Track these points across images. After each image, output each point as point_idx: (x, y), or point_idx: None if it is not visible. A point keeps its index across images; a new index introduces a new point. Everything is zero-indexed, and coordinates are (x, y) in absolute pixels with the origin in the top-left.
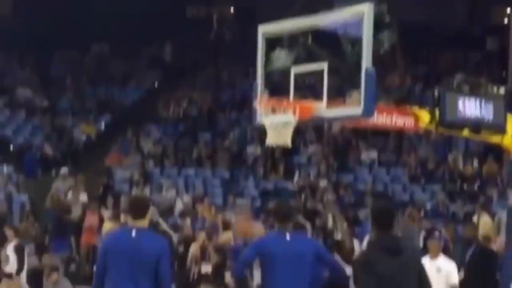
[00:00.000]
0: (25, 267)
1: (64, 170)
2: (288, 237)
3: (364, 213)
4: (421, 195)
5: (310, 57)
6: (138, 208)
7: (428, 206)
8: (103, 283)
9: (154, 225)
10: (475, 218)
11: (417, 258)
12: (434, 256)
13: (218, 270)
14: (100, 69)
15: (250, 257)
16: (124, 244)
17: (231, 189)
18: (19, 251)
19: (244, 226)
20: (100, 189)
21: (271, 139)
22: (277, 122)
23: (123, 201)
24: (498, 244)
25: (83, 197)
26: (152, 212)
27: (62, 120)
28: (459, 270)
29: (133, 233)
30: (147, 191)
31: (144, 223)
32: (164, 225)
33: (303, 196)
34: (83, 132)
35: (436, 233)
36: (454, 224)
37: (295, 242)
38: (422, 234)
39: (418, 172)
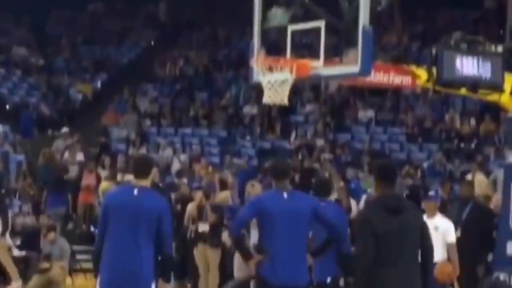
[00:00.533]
0: (9, 227)
1: (65, 129)
2: (285, 195)
3: (352, 173)
4: (418, 154)
5: (307, 15)
6: (142, 168)
7: (425, 165)
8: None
9: (155, 186)
10: (469, 177)
11: (419, 216)
12: (431, 215)
13: (215, 229)
14: (96, 28)
15: (247, 216)
16: (125, 202)
17: (227, 148)
18: (3, 211)
19: None
20: (97, 148)
21: (268, 98)
22: (274, 80)
23: (120, 160)
24: (494, 202)
25: (80, 156)
26: (154, 173)
27: (58, 79)
28: (455, 228)
29: (135, 192)
30: (143, 150)
31: (146, 182)
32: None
33: (300, 155)
34: (79, 91)
35: (432, 192)
36: (451, 183)
37: (293, 201)
38: (405, 192)
39: (415, 131)
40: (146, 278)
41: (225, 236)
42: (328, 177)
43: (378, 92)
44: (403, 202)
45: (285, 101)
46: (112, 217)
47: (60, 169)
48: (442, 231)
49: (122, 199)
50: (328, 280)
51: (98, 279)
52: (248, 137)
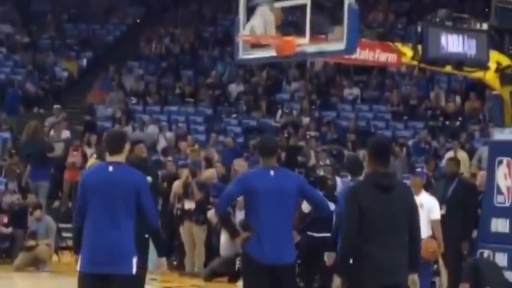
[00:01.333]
0: None
1: (57, 106)
2: (272, 173)
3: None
4: (403, 131)
5: None
6: (114, 143)
7: (410, 142)
8: (83, 221)
9: (143, 161)
10: (451, 154)
11: (409, 195)
12: (416, 192)
13: (201, 207)
14: (81, 5)
15: (234, 192)
16: (101, 179)
17: (213, 126)
18: None
19: None
20: (82, 126)
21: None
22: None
23: None
24: (479, 180)
25: (66, 134)
26: (141, 148)
27: (44, 57)
28: (440, 205)
29: (110, 168)
30: (129, 128)
31: (121, 158)
32: None
33: (285, 133)
34: (64, 69)
35: (418, 169)
36: (435, 160)
37: (279, 178)
38: None
39: (401, 109)
40: (127, 255)
41: (211, 214)
42: (315, 154)
43: (364, 70)
44: (394, 180)
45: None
46: (90, 195)
47: (44, 142)
48: (426, 208)
49: (97, 176)
50: None
51: (80, 257)
52: (234, 115)
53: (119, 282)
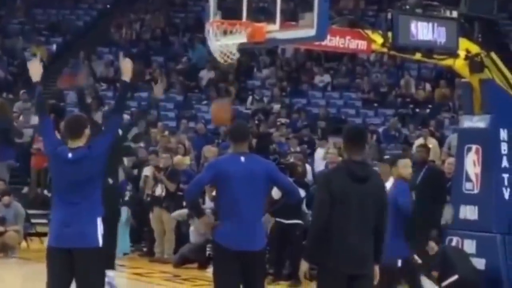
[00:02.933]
0: None
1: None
2: (243, 159)
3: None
4: (373, 119)
5: None
6: (73, 128)
7: (381, 130)
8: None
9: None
10: (420, 141)
11: (381, 187)
12: (384, 179)
13: (172, 194)
14: None
15: (204, 178)
16: (62, 165)
17: (184, 112)
18: None
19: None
20: (51, 112)
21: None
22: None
23: None
24: (447, 167)
25: (35, 120)
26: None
27: (13, 42)
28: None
29: (70, 155)
30: (99, 114)
31: (81, 142)
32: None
33: (256, 119)
34: (34, 54)
35: (387, 156)
36: (408, 148)
37: (250, 164)
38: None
39: (371, 96)
40: (90, 235)
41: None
42: (285, 141)
43: (334, 57)
44: (369, 171)
45: (234, 59)
46: (54, 183)
47: (10, 121)
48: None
49: (59, 164)
50: (399, 263)
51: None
52: (204, 102)
53: (83, 255)
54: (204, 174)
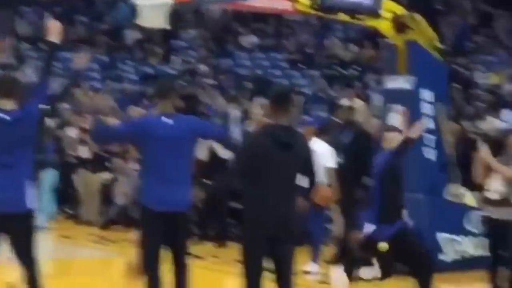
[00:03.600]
0: None
1: None
2: (167, 118)
3: None
4: (300, 80)
5: None
6: (5, 89)
7: (308, 91)
8: None
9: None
10: (346, 102)
11: (306, 150)
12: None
13: (97, 155)
14: None
15: (124, 129)
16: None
17: (109, 73)
18: None
19: None
20: None
21: (147, 22)
22: (152, 3)
23: None
24: (373, 128)
25: None
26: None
27: None
28: (336, 153)
29: (4, 116)
30: (22, 74)
31: (12, 103)
32: None
33: (183, 80)
34: None
35: (309, 117)
36: (334, 109)
37: (175, 123)
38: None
39: (298, 57)
40: (22, 199)
41: (107, 162)
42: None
43: (261, 17)
44: (293, 134)
45: (164, 25)
46: None
47: None
48: (319, 155)
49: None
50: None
51: None
52: (130, 62)
53: (16, 219)
54: (122, 128)
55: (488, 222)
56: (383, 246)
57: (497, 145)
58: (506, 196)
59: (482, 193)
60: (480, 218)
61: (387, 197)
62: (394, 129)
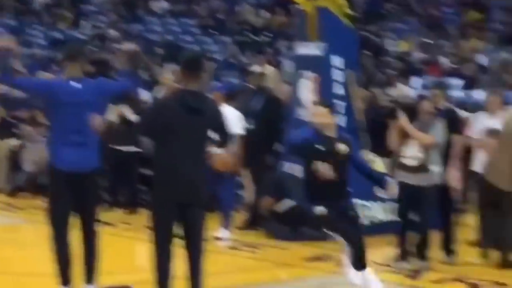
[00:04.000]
0: None
1: None
2: (75, 83)
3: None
4: (212, 46)
5: None
6: None
7: (219, 57)
8: None
9: None
10: (257, 68)
11: (217, 115)
12: None
13: (4, 121)
14: None
15: (30, 83)
16: None
17: (17, 38)
18: None
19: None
20: None
21: None
22: None
23: None
24: (283, 94)
25: None
26: None
27: None
28: (246, 119)
29: None
30: None
31: None
32: None
33: (93, 46)
34: None
35: (218, 83)
36: (244, 74)
37: (82, 87)
38: None
39: (209, 23)
40: None
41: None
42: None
43: None
44: (203, 100)
45: None
46: None
47: None
48: (229, 121)
49: None
50: None
51: None
52: (38, 27)
53: None
54: (32, 80)
55: (403, 188)
56: (319, 210)
57: (410, 111)
58: (423, 162)
59: (397, 159)
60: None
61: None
62: (323, 103)
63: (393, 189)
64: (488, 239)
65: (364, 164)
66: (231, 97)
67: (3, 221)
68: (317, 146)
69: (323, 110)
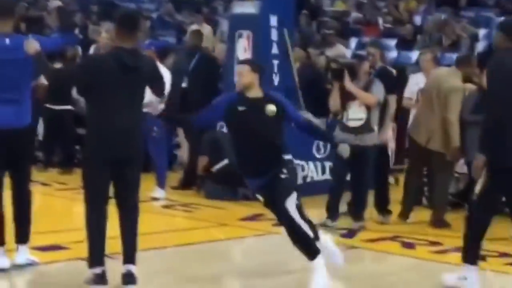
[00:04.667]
0: None
1: None
2: (7, 40)
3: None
4: (147, 4)
5: None
6: None
7: (155, 15)
8: None
9: None
10: (194, 27)
11: (153, 69)
12: None
13: None
14: None
15: None
16: None
17: None
18: None
19: None
20: None
21: None
22: None
23: None
24: (219, 53)
25: None
26: None
27: None
28: (182, 78)
29: None
30: None
31: None
32: None
33: (25, 3)
34: None
35: (150, 43)
36: (181, 33)
37: (14, 43)
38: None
39: None
40: None
41: None
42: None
43: None
44: (138, 57)
45: None
46: None
47: None
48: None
49: None
50: None
51: None
52: None
53: None
54: None
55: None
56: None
57: (349, 72)
58: (366, 122)
59: (338, 120)
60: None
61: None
62: (244, 61)
63: (346, 152)
64: (412, 198)
65: (305, 122)
66: (163, 55)
67: None
68: (238, 107)
69: (243, 68)
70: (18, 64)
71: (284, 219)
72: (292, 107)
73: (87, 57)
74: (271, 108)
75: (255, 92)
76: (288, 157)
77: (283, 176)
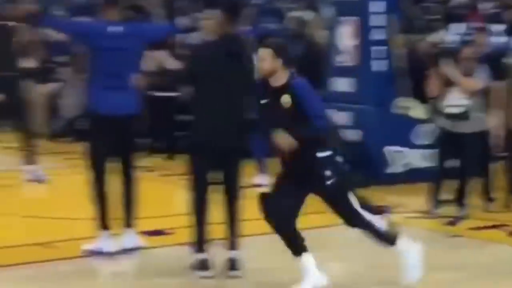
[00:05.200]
0: None
1: None
2: (115, 26)
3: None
4: None
5: None
6: None
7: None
8: None
9: None
10: (297, 13)
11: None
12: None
13: (43, 65)
14: None
15: (70, 24)
16: None
17: None
18: None
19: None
20: None
21: None
22: None
23: None
24: (324, 39)
25: None
26: None
27: None
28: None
29: None
30: None
31: None
32: None
33: None
34: None
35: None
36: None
37: (123, 30)
38: None
39: None
40: None
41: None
42: None
43: None
44: (241, 45)
45: None
46: None
47: None
48: None
49: None
50: None
51: None
52: None
53: None
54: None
55: (444, 134)
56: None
57: (452, 58)
58: (466, 109)
59: (438, 106)
60: (433, 131)
61: None
62: (267, 44)
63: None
64: None
65: (316, 125)
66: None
67: (42, 166)
68: (260, 100)
69: (266, 53)
70: (127, 51)
71: (358, 223)
72: (310, 102)
73: (194, 46)
74: (285, 99)
75: (278, 79)
76: (323, 154)
77: (328, 182)
